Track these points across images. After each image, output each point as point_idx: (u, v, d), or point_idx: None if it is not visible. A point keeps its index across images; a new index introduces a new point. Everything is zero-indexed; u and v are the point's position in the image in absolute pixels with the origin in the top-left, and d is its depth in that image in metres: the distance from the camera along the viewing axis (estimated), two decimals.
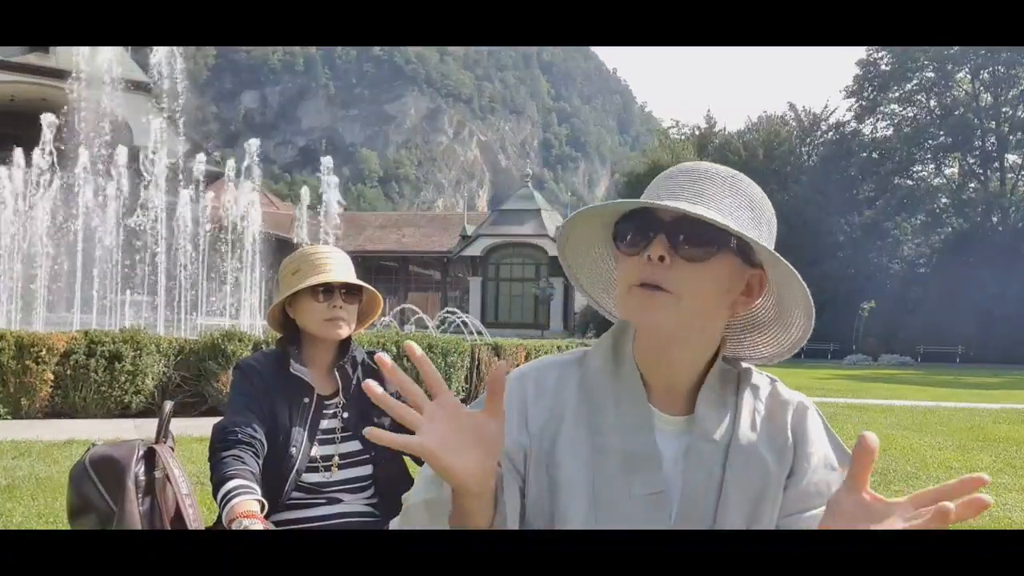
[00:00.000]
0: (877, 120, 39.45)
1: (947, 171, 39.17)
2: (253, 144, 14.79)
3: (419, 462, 0.85)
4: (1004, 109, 36.68)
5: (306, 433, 1.84)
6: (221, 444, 1.73)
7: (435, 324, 13.83)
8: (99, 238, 12.77)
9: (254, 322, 12.88)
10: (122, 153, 13.13)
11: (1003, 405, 11.39)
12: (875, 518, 0.72)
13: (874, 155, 37.97)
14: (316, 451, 1.84)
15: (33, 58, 20.21)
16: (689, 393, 0.93)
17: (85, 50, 15.63)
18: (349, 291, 1.90)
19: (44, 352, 6.91)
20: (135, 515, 1.64)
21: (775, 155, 38.46)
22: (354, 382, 1.92)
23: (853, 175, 37.45)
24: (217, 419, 1.84)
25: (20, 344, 6.89)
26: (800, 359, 29.16)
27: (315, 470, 1.83)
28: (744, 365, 0.98)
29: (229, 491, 1.62)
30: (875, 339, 31.37)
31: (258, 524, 1.55)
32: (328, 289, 1.86)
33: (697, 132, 42.88)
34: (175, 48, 15.88)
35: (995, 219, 35.93)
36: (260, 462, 1.74)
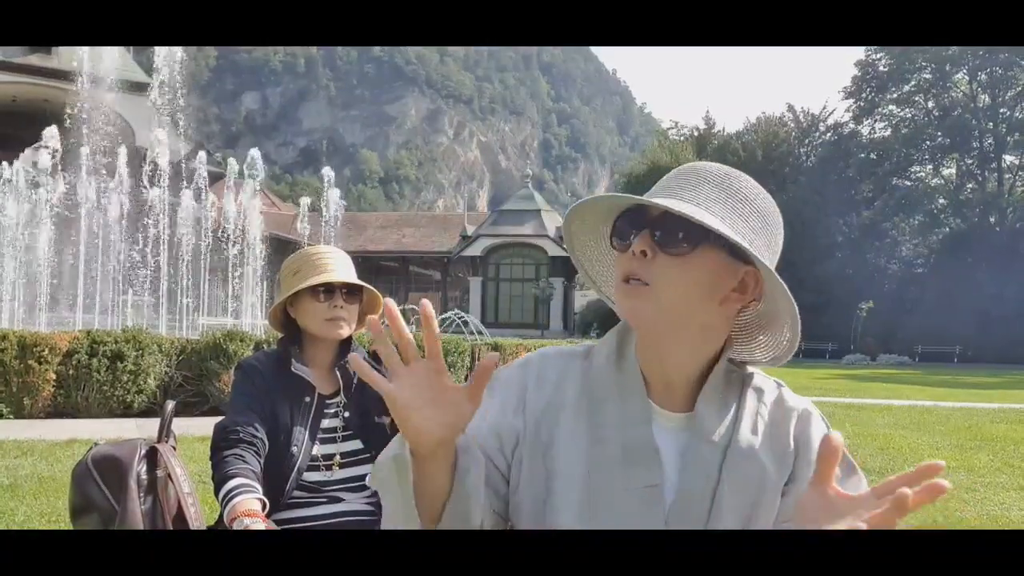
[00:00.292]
0: (875, 121, 39.48)
1: (945, 172, 39.18)
2: (254, 153, 14.81)
3: None
4: (1002, 110, 36.70)
5: (307, 432, 1.84)
6: (223, 443, 1.74)
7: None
8: (101, 238, 12.77)
9: (255, 322, 12.89)
10: (124, 153, 13.14)
11: (1001, 405, 11.41)
12: (839, 513, 0.72)
13: (872, 156, 37.98)
14: (317, 450, 1.85)
15: (35, 59, 20.23)
16: (689, 391, 0.93)
17: (87, 51, 15.63)
18: (350, 291, 1.91)
19: (47, 352, 6.92)
20: (137, 514, 1.64)
21: (774, 156, 38.48)
22: (355, 381, 1.92)
23: (851, 176, 37.47)
24: (219, 419, 1.84)
25: (23, 344, 6.90)
26: (799, 359, 29.10)
27: (316, 469, 1.84)
28: (750, 368, 0.98)
29: (231, 490, 1.62)
30: (873, 339, 31.38)
31: (259, 523, 1.55)
32: (329, 289, 1.87)
33: (696, 133, 42.89)
34: (176, 48, 15.88)
35: (992, 219, 35.95)
36: (261, 461, 1.75)
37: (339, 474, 1.85)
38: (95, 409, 7.06)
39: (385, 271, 35.42)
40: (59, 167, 12.90)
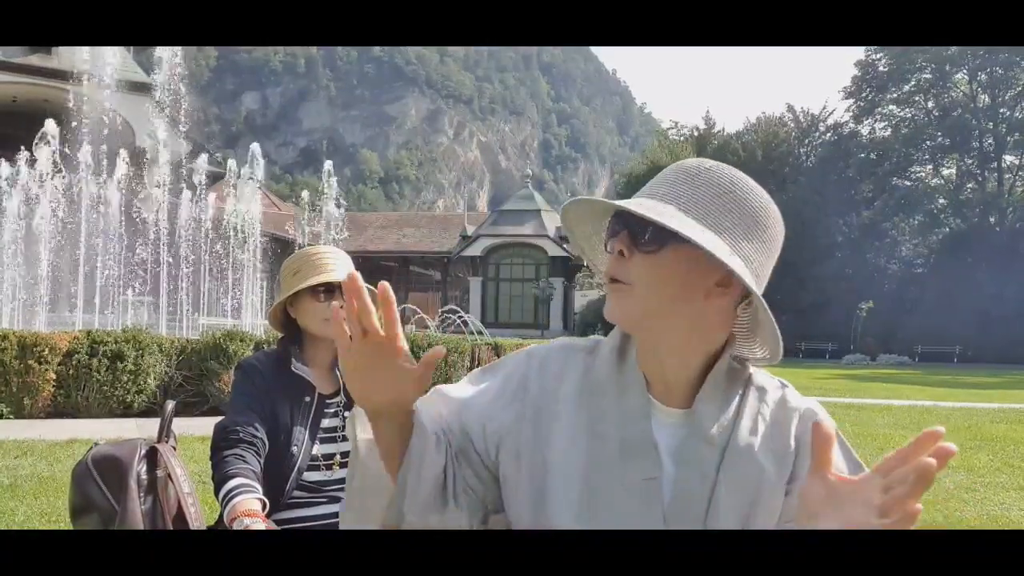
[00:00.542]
0: (875, 121, 39.48)
1: (945, 172, 39.18)
2: (255, 149, 14.80)
3: None
4: (1002, 110, 36.71)
5: (307, 432, 1.84)
6: (223, 443, 1.74)
7: (436, 324, 13.83)
8: (101, 238, 12.77)
9: (255, 322, 12.89)
10: (124, 154, 13.14)
11: (1001, 405, 11.41)
12: (845, 498, 0.71)
13: (872, 156, 37.98)
14: (317, 450, 1.85)
15: (35, 59, 20.21)
16: (689, 388, 0.93)
17: (87, 51, 15.62)
18: None
19: (47, 352, 6.92)
20: (137, 514, 1.64)
21: (773, 156, 38.48)
22: None
23: (851, 176, 37.47)
24: (219, 418, 1.84)
25: (23, 344, 6.90)
26: (798, 359, 29.20)
27: (316, 469, 1.84)
28: (754, 367, 0.97)
29: (231, 490, 1.62)
30: (873, 339, 31.40)
31: (259, 523, 1.55)
32: (329, 289, 1.87)
33: (696, 133, 42.89)
34: (176, 48, 15.88)
35: (992, 220, 35.96)
36: (261, 461, 1.75)
37: (339, 474, 1.85)
38: (95, 409, 7.06)
39: (385, 271, 35.38)
40: (59, 166, 12.90)
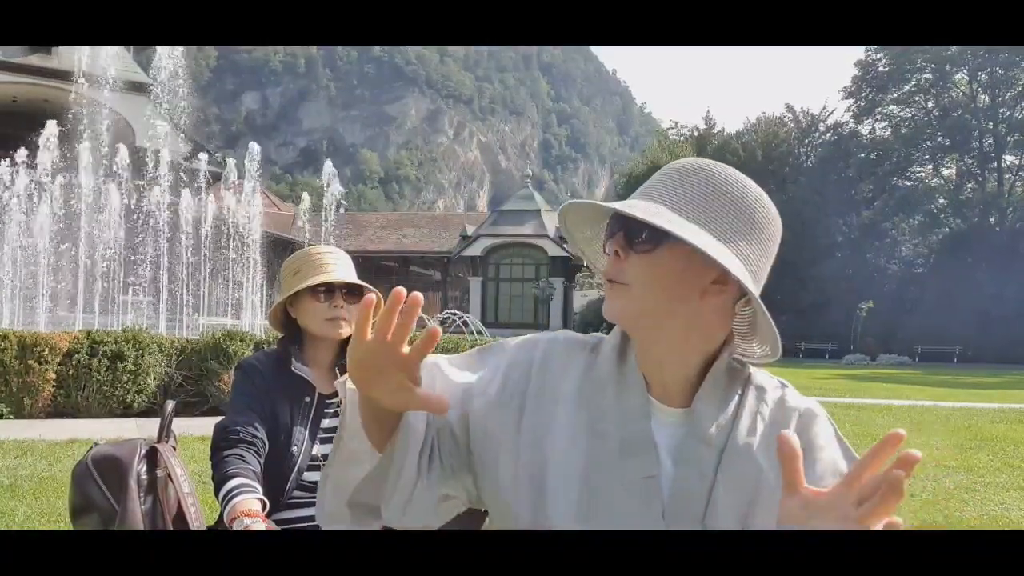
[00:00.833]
0: (875, 121, 39.48)
1: (945, 172, 39.18)
2: (254, 148, 14.80)
3: None
4: (1002, 110, 36.71)
5: (308, 432, 1.84)
6: (223, 443, 1.74)
7: (436, 324, 13.82)
8: (101, 238, 12.78)
9: (255, 322, 12.89)
10: (124, 153, 13.14)
11: (1001, 405, 11.41)
12: (820, 512, 0.71)
13: (872, 156, 37.98)
14: (317, 450, 1.85)
15: (35, 59, 20.22)
16: (688, 387, 0.93)
17: (87, 51, 15.63)
18: (350, 291, 1.91)
19: (47, 352, 6.92)
20: (137, 514, 1.64)
21: (773, 156, 38.47)
22: None
23: (851, 176, 37.47)
24: (219, 418, 1.84)
25: (23, 344, 6.90)
26: (798, 358, 29.21)
27: (316, 469, 1.83)
28: (753, 367, 0.97)
29: (231, 490, 1.62)
30: (873, 339, 31.40)
31: (259, 523, 1.55)
32: (329, 289, 1.87)
33: (696, 133, 42.89)
34: (177, 49, 15.88)
35: (992, 220, 35.97)
36: (262, 461, 1.75)
37: None
38: (95, 409, 7.06)
39: (385, 271, 35.40)
40: (59, 166, 12.91)
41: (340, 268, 1.90)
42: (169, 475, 1.72)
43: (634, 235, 0.88)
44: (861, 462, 0.70)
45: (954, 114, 37.11)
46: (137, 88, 19.16)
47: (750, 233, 0.88)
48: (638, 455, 0.90)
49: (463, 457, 0.95)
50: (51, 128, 12.79)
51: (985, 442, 7.39)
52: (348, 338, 1.93)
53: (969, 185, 38.07)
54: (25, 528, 3.61)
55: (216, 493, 1.66)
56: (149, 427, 4.79)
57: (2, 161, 12.74)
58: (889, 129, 39.10)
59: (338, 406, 1.89)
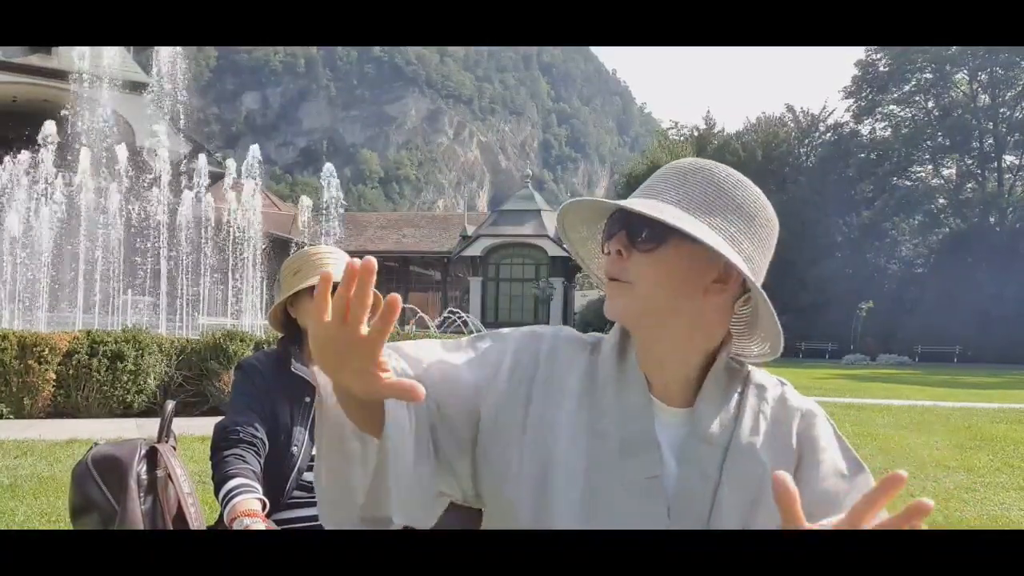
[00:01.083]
0: (875, 121, 39.47)
1: (945, 172, 39.18)
2: (254, 150, 14.81)
3: None
4: (1002, 110, 36.70)
5: (307, 432, 1.84)
6: (223, 443, 1.74)
7: (436, 324, 13.84)
8: (101, 238, 12.78)
9: (255, 322, 12.89)
10: (124, 153, 13.14)
11: (1000, 405, 11.41)
12: None
13: (872, 156, 37.97)
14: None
15: (35, 59, 20.22)
16: (688, 386, 0.93)
17: (87, 51, 15.63)
18: None
19: (47, 352, 6.92)
20: (137, 514, 1.64)
21: (773, 156, 38.47)
22: None
23: (851, 176, 37.46)
24: (219, 418, 1.84)
25: (23, 344, 6.90)
26: (798, 359, 29.21)
27: None
28: (752, 366, 0.97)
29: (231, 490, 1.62)
30: (873, 339, 31.40)
31: (259, 523, 1.55)
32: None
33: (696, 133, 42.89)
34: (177, 49, 15.88)
35: (992, 220, 35.96)
36: (261, 461, 1.75)
37: None
38: (95, 409, 7.06)
39: (385, 271, 35.42)
40: (59, 166, 12.91)
41: (340, 268, 1.90)
42: (169, 475, 1.72)
43: (637, 234, 0.88)
44: (862, 506, 0.69)
45: (954, 114, 37.10)
46: (137, 88, 19.15)
47: (750, 230, 0.88)
48: (641, 455, 0.89)
49: (464, 451, 0.93)
50: (51, 128, 12.79)
51: (985, 442, 7.39)
52: None
53: (969, 185, 38.07)
54: (25, 528, 3.61)
55: (216, 493, 1.66)
56: (149, 427, 4.79)
57: (2, 161, 12.74)
58: (889, 129, 39.10)
59: None
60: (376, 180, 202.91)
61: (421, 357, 0.94)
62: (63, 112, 14.26)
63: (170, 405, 1.86)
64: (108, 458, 1.70)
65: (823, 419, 0.95)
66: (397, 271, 36.51)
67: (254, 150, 14.74)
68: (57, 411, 7.05)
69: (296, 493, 1.82)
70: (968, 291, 30.63)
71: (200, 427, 5.06)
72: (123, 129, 17.53)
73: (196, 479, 2.48)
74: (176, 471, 1.73)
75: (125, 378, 7.14)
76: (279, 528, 1.75)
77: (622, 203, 0.88)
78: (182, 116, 17.64)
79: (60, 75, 18.49)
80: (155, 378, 7.36)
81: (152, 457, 1.73)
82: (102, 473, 1.68)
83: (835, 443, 0.94)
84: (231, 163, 14.96)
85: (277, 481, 1.78)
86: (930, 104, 38.42)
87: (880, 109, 38.96)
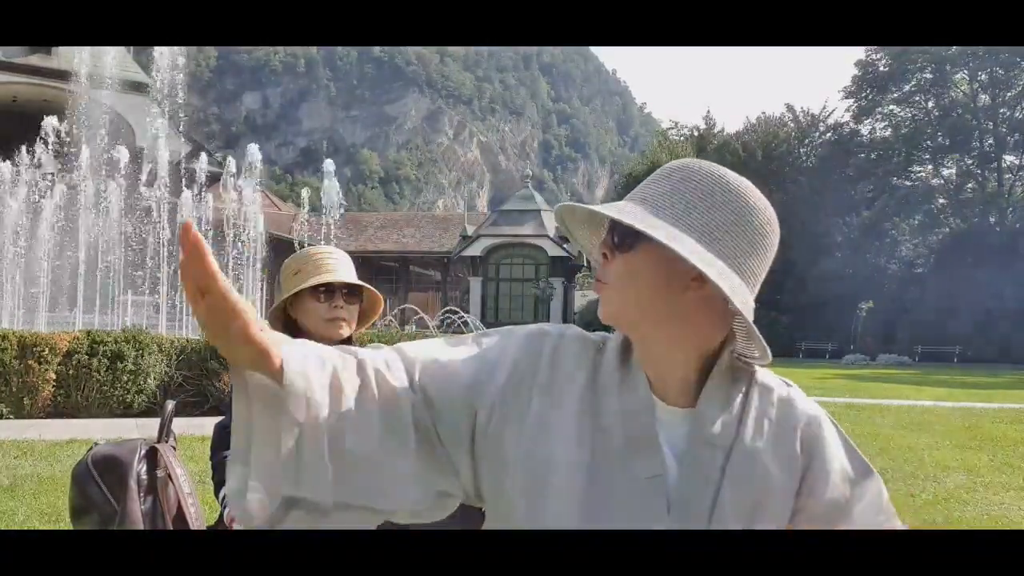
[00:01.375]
0: (875, 121, 39.42)
1: (945, 172, 39.14)
2: (252, 148, 14.79)
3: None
4: (1002, 110, 36.68)
5: None
6: (223, 443, 1.74)
7: (436, 324, 13.83)
8: (101, 238, 12.78)
9: None
10: (124, 153, 13.14)
11: (1000, 405, 11.41)
12: None
13: (872, 156, 37.94)
14: None
15: (35, 59, 20.22)
16: (689, 387, 0.93)
17: (87, 51, 15.62)
18: (350, 291, 1.91)
19: (46, 352, 6.92)
20: (137, 514, 1.64)
21: (773, 156, 38.45)
22: None
23: (851, 176, 37.44)
24: (219, 418, 1.84)
25: (23, 344, 6.90)
26: (798, 358, 29.20)
27: None
28: (758, 367, 0.97)
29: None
30: (873, 339, 31.39)
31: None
32: (329, 289, 1.87)
33: (696, 133, 42.89)
34: (177, 49, 15.87)
35: (992, 220, 35.95)
36: None
37: None
38: (95, 409, 7.06)
39: (385, 271, 35.42)
40: (59, 167, 12.91)
41: (340, 268, 1.89)
42: (169, 475, 1.72)
43: (615, 236, 0.90)
44: None
45: (954, 114, 37.08)
46: (137, 88, 19.15)
47: (737, 230, 0.88)
48: (643, 454, 0.90)
49: (463, 448, 0.92)
50: (51, 128, 12.79)
51: (985, 442, 7.39)
52: (348, 339, 1.93)
53: (969, 185, 38.05)
54: (25, 528, 3.61)
55: (216, 493, 1.66)
56: (149, 427, 4.79)
57: (2, 161, 12.74)
58: (889, 129, 39.07)
59: None
60: (376, 180, 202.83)
61: (417, 355, 0.95)
62: (63, 112, 14.26)
63: (170, 405, 1.86)
64: (108, 458, 1.70)
65: (828, 424, 0.95)
66: (397, 271, 36.52)
67: (252, 149, 14.72)
68: (57, 411, 7.04)
69: None
70: (968, 291, 30.60)
71: (200, 427, 5.07)
72: (123, 129, 17.53)
73: (196, 479, 2.48)
74: (176, 471, 1.72)
75: (125, 378, 7.14)
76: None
77: (595, 208, 0.90)
78: (182, 116, 17.63)
79: (60, 75, 18.49)
80: (155, 378, 7.36)
81: (152, 457, 1.73)
82: (102, 473, 1.68)
83: (842, 449, 0.94)
84: (231, 163, 14.97)
85: None
86: (930, 104, 38.40)
87: (880, 109, 38.93)
